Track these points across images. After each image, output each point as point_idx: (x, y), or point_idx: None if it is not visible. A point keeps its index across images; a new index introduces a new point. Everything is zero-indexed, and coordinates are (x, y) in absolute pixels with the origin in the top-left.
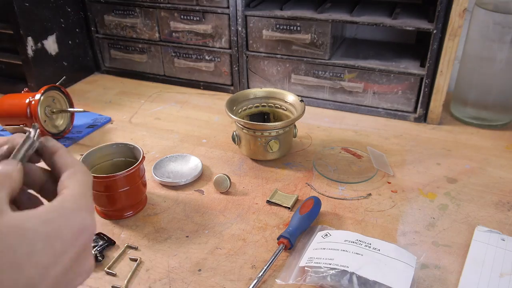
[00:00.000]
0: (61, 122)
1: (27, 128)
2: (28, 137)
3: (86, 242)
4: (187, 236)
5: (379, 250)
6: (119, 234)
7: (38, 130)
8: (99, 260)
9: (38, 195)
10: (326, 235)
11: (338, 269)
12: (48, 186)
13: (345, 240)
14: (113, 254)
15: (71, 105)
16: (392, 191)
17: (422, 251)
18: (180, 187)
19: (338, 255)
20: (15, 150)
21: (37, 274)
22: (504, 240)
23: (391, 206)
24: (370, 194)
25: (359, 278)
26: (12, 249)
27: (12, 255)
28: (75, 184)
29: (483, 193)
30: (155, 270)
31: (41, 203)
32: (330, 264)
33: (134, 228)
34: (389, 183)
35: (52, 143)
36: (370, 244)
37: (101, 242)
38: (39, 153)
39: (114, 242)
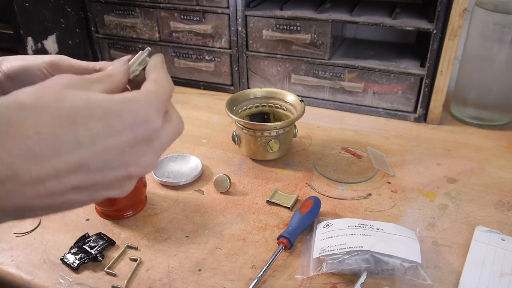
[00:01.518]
0: None
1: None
2: (141, 54)
3: (147, 135)
4: (187, 236)
5: (382, 229)
6: (119, 234)
7: (151, 50)
8: (99, 260)
9: None
10: (328, 225)
11: (354, 250)
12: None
13: (349, 226)
14: (113, 254)
15: None
16: (392, 191)
17: (416, 226)
18: (180, 187)
19: (349, 239)
20: (130, 61)
21: (87, 137)
22: (504, 240)
23: (391, 206)
24: (370, 194)
25: (373, 257)
26: (73, 108)
27: (72, 113)
28: (153, 84)
29: (483, 193)
30: (155, 270)
31: None
32: (344, 248)
33: (134, 228)
34: (389, 183)
35: (160, 61)
36: (373, 225)
37: (101, 242)
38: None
39: (114, 242)
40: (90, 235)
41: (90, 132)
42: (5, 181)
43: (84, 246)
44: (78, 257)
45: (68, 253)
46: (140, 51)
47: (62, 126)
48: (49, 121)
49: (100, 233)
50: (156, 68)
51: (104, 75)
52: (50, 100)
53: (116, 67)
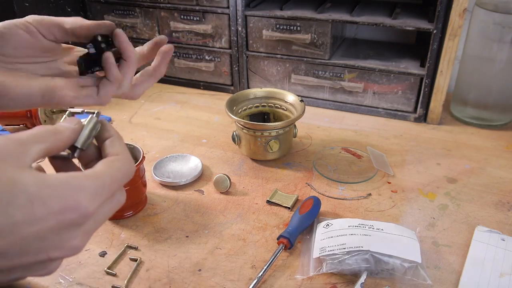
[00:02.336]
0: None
1: (89, 110)
2: (92, 118)
3: (74, 221)
4: (187, 236)
5: (382, 230)
6: (119, 234)
7: (99, 114)
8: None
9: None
10: (328, 224)
11: (354, 250)
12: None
13: (349, 226)
14: (113, 254)
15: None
16: (392, 191)
17: (416, 226)
18: (180, 187)
19: (349, 239)
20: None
21: (7, 225)
22: (504, 240)
23: (391, 206)
24: (370, 194)
25: (373, 257)
26: None
27: None
28: (101, 166)
29: (483, 193)
30: (155, 270)
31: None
32: (344, 248)
33: (134, 228)
34: (389, 183)
35: (110, 127)
36: (373, 225)
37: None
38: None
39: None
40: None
41: (9, 220)
42: None
43: None
44: None
45: None
46: (90, 115)
47: None
48: None
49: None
50: (112, 144)
51: (50, 132)
52: None
53: (65, 124)
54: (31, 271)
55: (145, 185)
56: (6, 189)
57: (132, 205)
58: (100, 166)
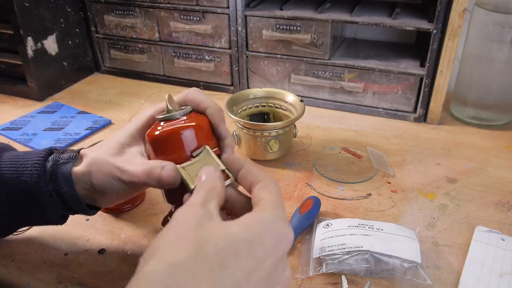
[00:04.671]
0: None
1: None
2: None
3: (285, 250)
4: None
5: (382, 229)
6: (119, 234)
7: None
8: None
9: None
10: (327, 225)
11: (354, 250)
12: (235, 202)
13: (349, 226)
14: (113, 254)
15: None
16: (392, 191)
17: (416, 226)
18: None
19: (349, 239)
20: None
21: (242, 277)
22: (504, 240)
23: (391, 206)
24: (370, 194)
25: (373, 257)
26: (220, 251)
27: (221, 257)
28: (270, 195)
29: (483, 193)
30: None
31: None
32: (344, 248)
33: (134, 228)
34: (389, 183)
35: (236, 158)
36: (373, 225)
37: None
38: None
39: None
40: None
41: (243, 271)
42: None
43: None
44: None
45: None
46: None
47: (218, 275)
48: (206, 276)
49: None
50: (250, 172)
51: (209, 189)
52: (196, 252)
53: (209, 177)
54: None
55: None
56: (224, 245)
57: (131, 198)
58: (266, 194)
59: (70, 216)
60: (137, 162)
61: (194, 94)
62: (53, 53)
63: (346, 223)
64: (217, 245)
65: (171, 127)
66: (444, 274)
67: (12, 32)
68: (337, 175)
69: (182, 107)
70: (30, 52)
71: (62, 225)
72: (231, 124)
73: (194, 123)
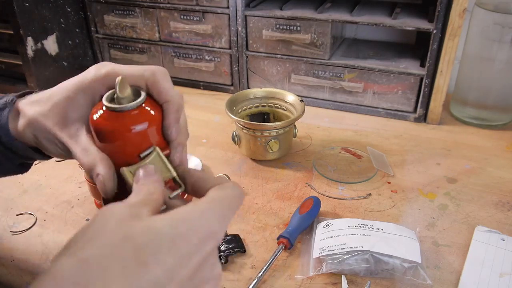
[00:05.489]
0: None
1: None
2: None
3: (213, 247)
4: None
5: (382, 229)
6: None
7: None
8: (221, 262)
9: None
10: (327, 225)
11: (354, 250)
12: None
13: (349, 226)
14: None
15: None
16: (392, 191)
17: (416, 226)
18: None
19: (349, 239)
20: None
21: (162, 274)
22: (504, 240)
23: (391, 206)
24: (370, 194)
25: (373, 257)
26: (139, 247)
27: (139, 253)
28: (215, 193)
29: (483, 193)
30: None
31: None
32: (344, 248)
33: None
34: (389, 183)
35: (191, 170)
36: (373, 225)
37: (232, 245)
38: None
39: (245, 250)
40: (227, 234)
41: (164, 269)
42: None
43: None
44: None
45: None
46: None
47: (133, 272)
48: (119, 273)
49: (237, 235)
50: (205, 180)
51: (145, 194)
52: (111, 247)
53: (149, 183)
54: None
55: None
56: (144, 240)
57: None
58: (211, 192)
59: (70, 216)
60: (81, 142)
61: (158, 77)
62: (53, 53)
63: (346, 223)
64: (136, 240)
65: (116, 123)
66: (444, 274)
67: (12, 32)
68: (337, 175)
69: (136, 91)
70: (30, 52)
71: (62, 225)
72: (231, 124)
73: (145, 123)
